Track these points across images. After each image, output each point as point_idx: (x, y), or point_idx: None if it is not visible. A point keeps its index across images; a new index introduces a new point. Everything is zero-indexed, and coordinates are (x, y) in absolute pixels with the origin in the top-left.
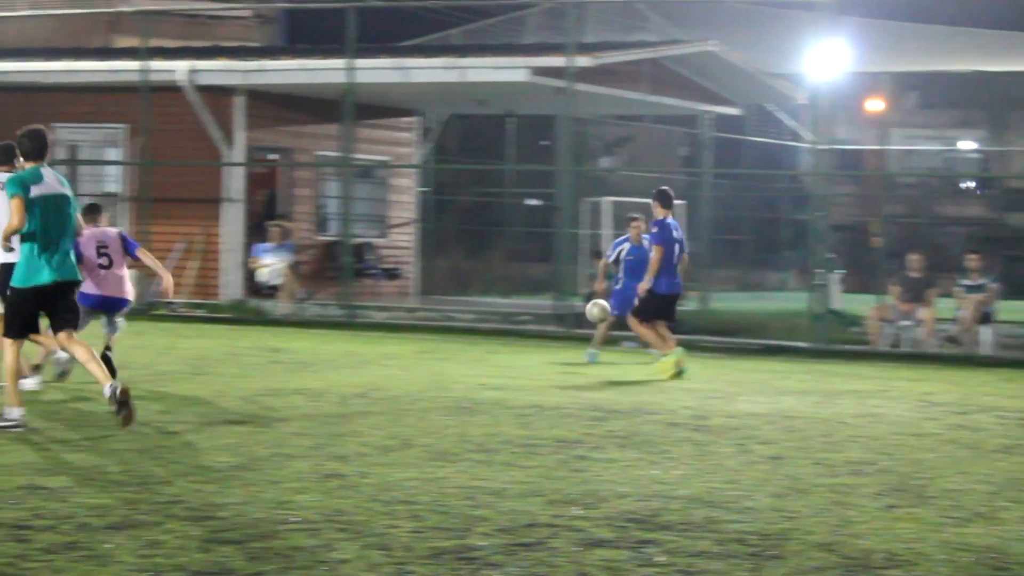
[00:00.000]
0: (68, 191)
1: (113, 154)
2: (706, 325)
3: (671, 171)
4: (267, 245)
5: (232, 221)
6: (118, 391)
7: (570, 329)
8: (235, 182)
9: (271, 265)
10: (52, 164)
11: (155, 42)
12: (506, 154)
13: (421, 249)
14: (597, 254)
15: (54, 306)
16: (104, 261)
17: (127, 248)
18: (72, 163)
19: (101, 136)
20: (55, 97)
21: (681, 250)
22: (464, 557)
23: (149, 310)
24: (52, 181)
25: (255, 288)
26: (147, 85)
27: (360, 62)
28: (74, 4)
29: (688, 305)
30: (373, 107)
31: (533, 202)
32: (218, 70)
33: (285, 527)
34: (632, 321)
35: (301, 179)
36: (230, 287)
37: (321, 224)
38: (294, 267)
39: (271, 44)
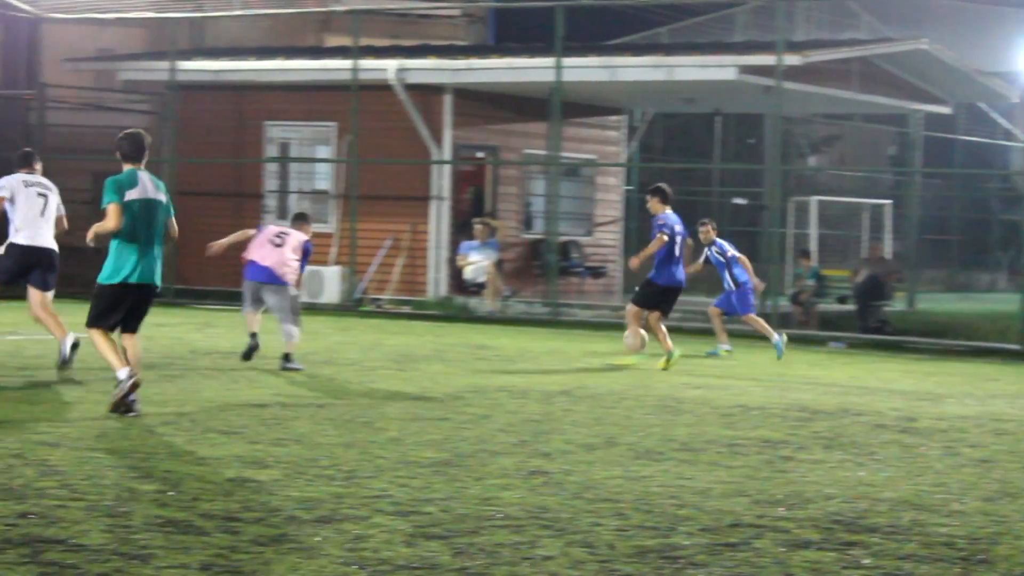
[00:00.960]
0: (163, 196)
1: (323, 152)
2: (913, 326)
3: (879, 170)
4: (473, 243)
5: (439, 219)
6: (131, 382)
7: (776, 329)
8: (442, 180)
9: (477, 262)
10: (265, 160)
11: (365, 41)
12: (713, 153)
13: (626, 247)
14: (805, 254)
15: (130, 306)
16: (278, 241)
17: (303, 256)
18: (283, 160)
19: (312, 134)
20: (267, 96)
21: (683, 241)
22: (668, 556)
23: (356, 306)
24: (147, 185)
25: (461, 285)
26: (357, 84)
27: (568, 60)
28: (286, 4)
29: (895, 306)
30: (580, 105)
31: (740, 201)
32: (427, 69)
33: (490, 523)
34: (629, 308)
35: (507, 177)
36: (436, 284)
37: (527, 222)
38: (499, 265)
39: (479, 43)
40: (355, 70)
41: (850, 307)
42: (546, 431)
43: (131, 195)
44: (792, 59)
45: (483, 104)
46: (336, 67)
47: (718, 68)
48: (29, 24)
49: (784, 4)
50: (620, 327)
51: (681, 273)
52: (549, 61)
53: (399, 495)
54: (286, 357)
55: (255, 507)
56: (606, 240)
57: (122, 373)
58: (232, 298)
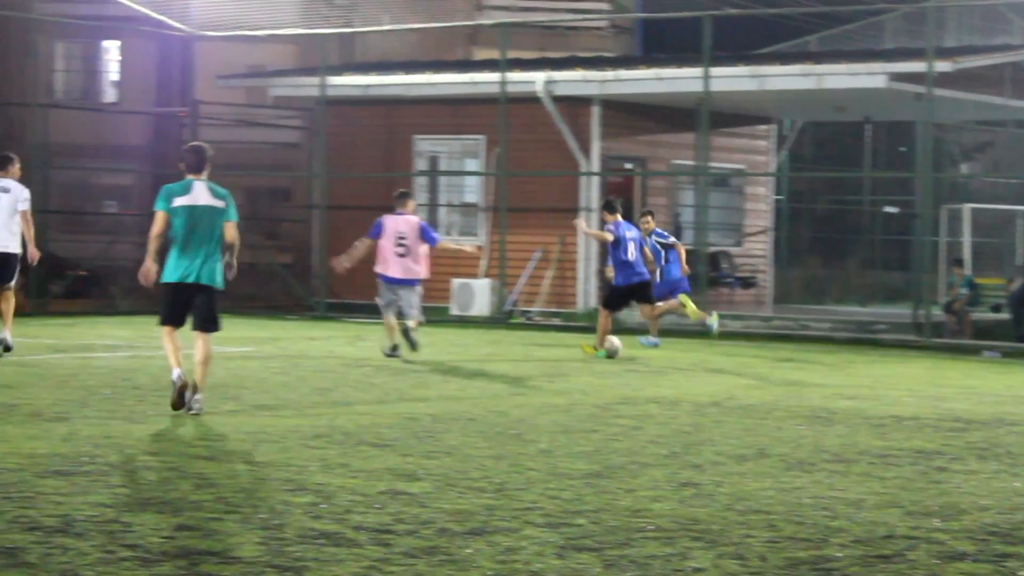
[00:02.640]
0: (220, 203)
1: (472, 165)
2: None
3: None
4: None
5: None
6: (182, 383)
7: (929, 339)
8: (591, 192)
9: None
10: (414, 175)
11: (513, 54)
12: (863, 161)
13: (776, 257)
14: (958, 262)
15: (192, 304)
16: (401, 250)
17: (424, 236)
18: (432, 174)
19: (460, 147)
20: (416, 109)
21: (638, 247)
22: (821, 568)
23: (506, 319)
24: (202, 193)
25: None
26: (505, 96)
27: (716, 70)
28: (434, 18)
29: None
30: (728, 115)
31: (891, 209)
32: (575, 80)
33: (640, 535)
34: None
35: (656, 188)
36: (586, 296)
37: (676, 233)
38: None
39: (627, 54)
40: (503, 83)
41: (1005, 316)
42: (696, 442)
43: (179, 202)
44: (943, 65)
45: (631, 115)
46: (484, 80)
47: (868, 76)
48: (182, 42)
49: (935, 10)
50: (770, 337)
51: (637, 272)
52: (697, 71)
53: (549, 507)
54: (406, 331)
55: (407, 519)
56: (756, 250)
57: (174, 373)
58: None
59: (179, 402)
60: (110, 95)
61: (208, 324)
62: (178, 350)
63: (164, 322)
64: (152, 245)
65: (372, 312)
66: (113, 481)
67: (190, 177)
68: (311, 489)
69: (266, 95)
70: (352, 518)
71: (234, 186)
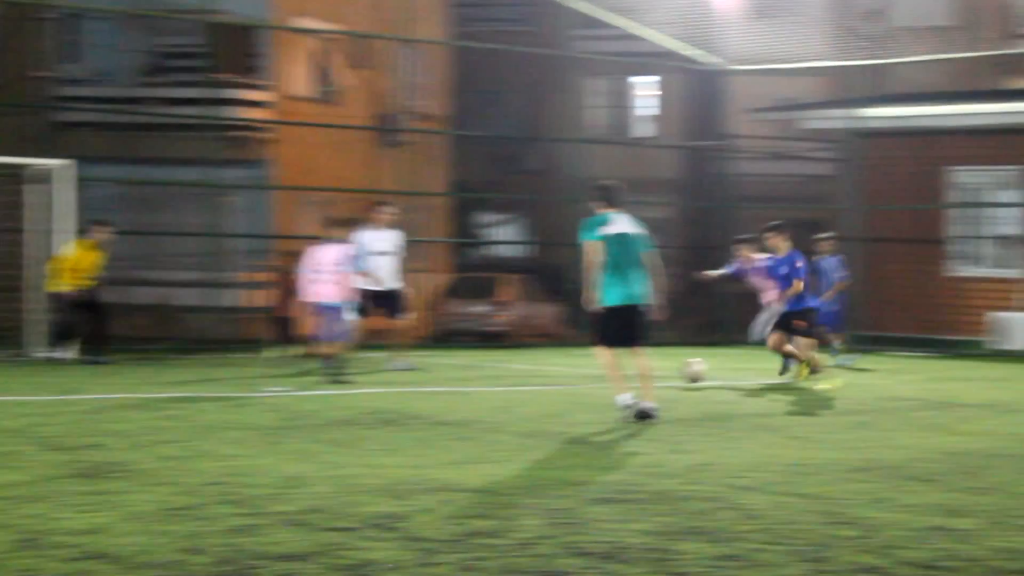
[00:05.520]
0: (637, 230)
1: (1008, 196)
2: None
3: None
4: None
5: None
6: (639, 408)
7: None
8: None
9: None
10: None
11: None
12: None
13: None
14: None
15: (625, 323)
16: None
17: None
18: (966, 206)
19: (994, 178)
20: (948, 140)
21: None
22: None
23: None
24: (622, 223)
25: None
26: None
27: None
28: (964, 48)
29: None
30: None
31: None
32: None
33: None
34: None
35: None
36: None
37: None
38: None
39: None
40: None
41: None
42: None
43: (604, 231)
44: None
45: None
46: (1018, 110)
47: None
48: (713, 76)
49: None
50: None
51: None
52: None
53: None
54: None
55: (954, 556)
56: None
57: (626, 399)
58: (920, 344)
59: (643, 412)
60: (639, 129)
61: (645, 340)
62: (622, 372)
63: (608, 344)
64: (591, 275)
65: (912, 345)
66: (657, 509)
67: (607, 211)
68: (855, 523)
69: (796, 127)
70: (897, 553)
71: (766, 219)
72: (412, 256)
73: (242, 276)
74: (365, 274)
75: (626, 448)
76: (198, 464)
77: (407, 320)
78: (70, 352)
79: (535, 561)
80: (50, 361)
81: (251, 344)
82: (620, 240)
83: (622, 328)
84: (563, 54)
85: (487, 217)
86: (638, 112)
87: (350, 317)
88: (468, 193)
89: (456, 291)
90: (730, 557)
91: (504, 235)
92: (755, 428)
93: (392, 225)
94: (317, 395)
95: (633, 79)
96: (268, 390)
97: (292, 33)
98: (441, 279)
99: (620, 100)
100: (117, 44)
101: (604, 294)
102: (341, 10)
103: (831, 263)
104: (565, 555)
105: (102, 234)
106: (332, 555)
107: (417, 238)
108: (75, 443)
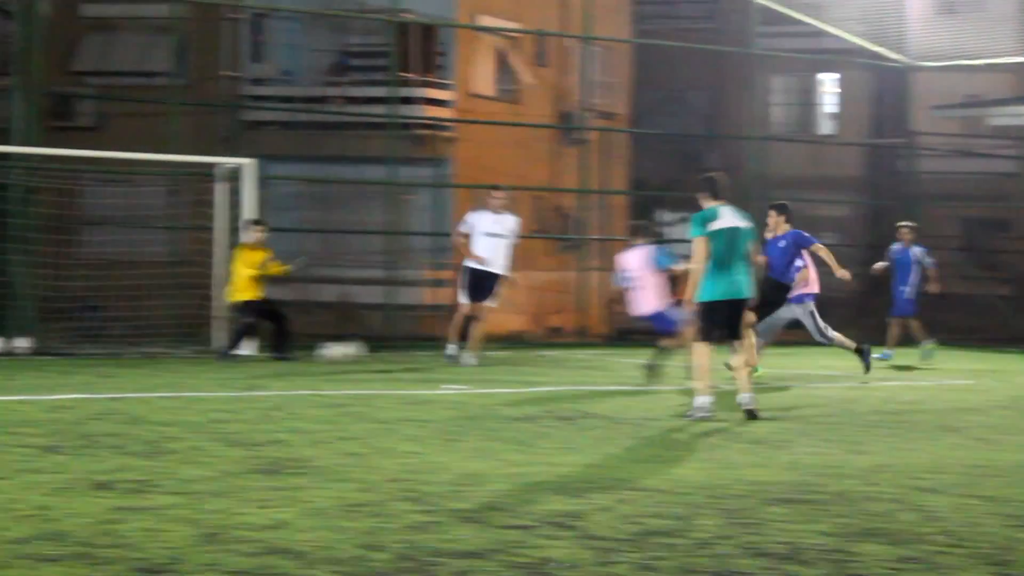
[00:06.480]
0: (743, 224)
1: None
2: None
3: None
4: None
5: None
6: (749, 407)
7: None
8: None
9: None
10: None
11: None
12: None
13: None
14: None
15: (728, 318)
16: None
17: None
18: None
19: None
20: None
21: None
22: None
23: None
24: (729, 217)
25: None
26: None
27: None
28: None
29: None
30: None
31: None
32: None
33: None
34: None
35: None
36: None
37: None
38: None
39: None
40: None
41: None
42: None
43: (713, 226)
44: None
45: None
46: None
47: None
48: (899, 73)
49: None
50: None
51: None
52: None
53: None
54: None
55: None
56: None
57: (702, 400)
58: None
59: (752, 414)
60: (824, 127)
61: (740, 333)
62: (709, 372)
63: (705, 339)
64: (700, 270)
65: None
66: (836, 510)
67: (713, 204)
68: None
69: (983, 124)
70: None
71: (952, 217)
72: (589, 255)
73: (426, 274)
74: (474, 254)
75: (804, 448)
76: (377, 461)
77: (491, 307)
78: (252, 350)
79: (713, 561)
80: (233, 359)
81: (432, 342)
82: (729, 234)
83: (725, 322)
84: (745, 51)
85: (666, 215)
86: (825, 109)
87: (676, 316)
88: (648, 191)
89: None
90: (911, 559)
91: (683, 233)
92: (935, 429)
93: (506, 209)
94: (494, 392)
95: (820, 76)
96: (447, 387)
97: (475, 31)
98: None
99: (806, 97)
100: (303, 44)
101: (705, 288)
102: (523, 8)
103: (916, 252)
104: (743, 556)
105: (259, 233)
106: (509, 553)
107: (594, 236)
108: (257, 439)
